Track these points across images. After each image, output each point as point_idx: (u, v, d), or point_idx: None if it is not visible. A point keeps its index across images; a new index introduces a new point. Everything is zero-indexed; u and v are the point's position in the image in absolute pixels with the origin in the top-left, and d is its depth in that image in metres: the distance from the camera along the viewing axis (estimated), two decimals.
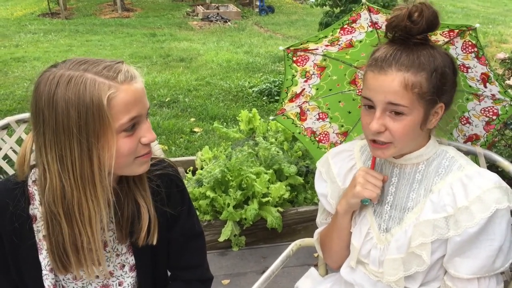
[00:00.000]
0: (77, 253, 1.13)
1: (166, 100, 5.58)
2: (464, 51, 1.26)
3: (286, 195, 2.89)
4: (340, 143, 1.68)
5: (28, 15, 11.35)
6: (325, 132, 1.66)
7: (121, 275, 1.27)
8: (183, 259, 1.35)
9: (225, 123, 4.82)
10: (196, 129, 4.88)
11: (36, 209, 1.16)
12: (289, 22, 11.07)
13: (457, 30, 1.22)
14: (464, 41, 1.24)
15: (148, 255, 1.27)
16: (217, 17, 10.97)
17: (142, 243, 1.22)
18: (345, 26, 1.32)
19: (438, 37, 1.26)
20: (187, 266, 1.37)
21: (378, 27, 1.31)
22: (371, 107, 1.22)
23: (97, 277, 1.24)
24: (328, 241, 1.48)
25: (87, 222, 1.09)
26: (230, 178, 2.82)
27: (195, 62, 7.32)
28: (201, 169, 3.16)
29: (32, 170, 1.17)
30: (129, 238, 1.24)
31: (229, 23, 10.75)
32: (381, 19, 1.28)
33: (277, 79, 5.93)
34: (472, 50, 1.25)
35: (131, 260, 1.26)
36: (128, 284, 1.27)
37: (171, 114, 5.22)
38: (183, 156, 4.01)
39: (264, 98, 5.64)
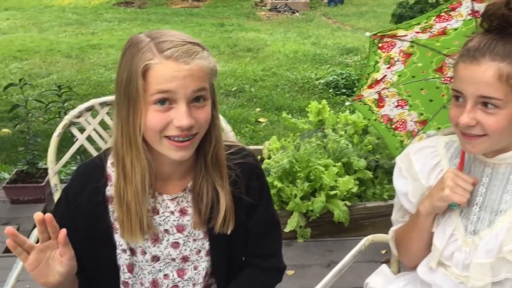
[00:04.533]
0: (121, 206, 1.16)
1: (233, 90, 5.65)
2: None
3: (354, 189, 2.84)
4: (418, 132, 1.63)
5: (104, 3, 11.84)
6: (403, 120, 1.62)
7: (197, 259, 1.28)
8: (261, 247, 1.35)
9: (290, 114, 4.81)
10: (261, 119, 4.90)
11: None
12: (359, 13, 10.83)
13: None
14: None
15: (224, 242, 1.27)
16: (285, 8, 10.93)
17: (218, 230, 1.22)
18: (442, 14, 1.27)
19: None
20: (265, 254, 1.37)
21: (479, 16, 1.24)
22: (461, 99, 1.16)
23: (173, 260, 1.26)
24: (406, 241, 1.42)
25: (127, 177, 1.14)
26: (298, 169, 2.81)
27: (262, 53, 7.35)
28: (268, 158, 3.17)
29: (112, 152, 1.21)
30: (206, 225, 1.25)
31: (297, 13, 10.68)
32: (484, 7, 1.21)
33: (344, 72, 5.83)
34: None
35: (207, 245, 1.27)
36: (202, 268, 1.29)
37: (237, 104, 5.28)
38: (248, 146, 4.04)
39: (330, 91, 5.57)
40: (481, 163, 1.28)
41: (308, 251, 2.78)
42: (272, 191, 2.82)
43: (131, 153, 1.12)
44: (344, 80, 5.62)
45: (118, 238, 1.23)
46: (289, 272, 2.60)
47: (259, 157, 3.26)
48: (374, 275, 1.70)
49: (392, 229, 1.52)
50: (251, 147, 3.79)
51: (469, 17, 1.28)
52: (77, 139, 1.72)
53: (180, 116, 1.06)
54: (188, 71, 1.05)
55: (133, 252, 1.25)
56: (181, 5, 11.61)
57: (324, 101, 3.49)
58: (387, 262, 1.84)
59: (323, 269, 2.57)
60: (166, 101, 1.06)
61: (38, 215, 1.03)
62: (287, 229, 2.76)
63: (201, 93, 1.09)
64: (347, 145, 3.02)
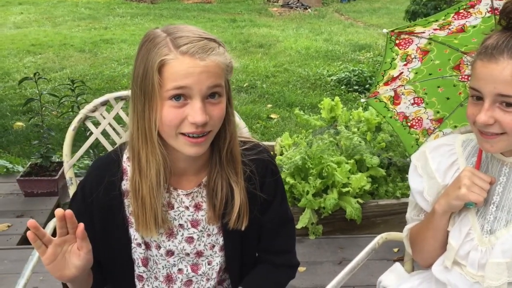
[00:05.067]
0: (136, 200, 1.16)
1: (244, 86, 5.65)
2: None
3: (367, 187, 2.83)
4: (434, 130, 1.61)
5: None
6: (419, 118, 1.60)
7: (211, 254, 1.28)
8: (275, 244, 1.35)
9: (302, 111, 4.80)
10: (272, 115, 4.90)
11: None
12: (371, 10, 10.76)
13: None
14: None
15: (238, 238, 1.28)
16: (297, 4, 10.88)
17: (233, 226, 1.23)
18: (461, 11, 1.25)
19: None
20: (278, 251, 1.37)
21: (498, 13, 1.23)
22: (479, 98, 1.14)
23: (188, 254, 1.27)
24: (421, 239, 1.41)
25: (143, 173, 1.14)
26: (311, 165, 2.80)
27: (274, 49, 7.33)
28: (281, 155, 3.17)
29: (127, 147, 1.21)
30: (220, 220, 1.25)
31: (309, 10, 10.63)
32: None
33: (356, 68, 5.80)
34: None
35: (221, 241, 1.27)
36: (216, 263, 1.29)
37: (248, 100, 5.28)
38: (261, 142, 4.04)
39: (342, 87, 5.54)
40: (499, 162, 1.26)
41: (320, 248, 2.77)
42: (285, 188, 2.82)
43: (147, 148, 1.12)
44: (356, 77, 5.59)
45: (133, 232, 1.23)
46: (300, 268, 2.59)
47: (271, 153, 3.26)
48: (388, 273, 1.69)
49: (407, 227, 1.51)
50: (263, 143, 3.79)
51: (488, 15, 1.26)
52: (91, 133, 1.72)
53: (194, 112, 1.06)
54: (204, 67, 1.05)
55: (147, 246, 1.26)
56: (193, 1, 11.60)
57: (337, 98, 3.47)
58: (400, 260, 1.83)
59: (335, 266, 2.57)
60: (181, 96, 1.06)
61: (59, 211, 1.04)
62: (299, 226, 2.75)
63: (216, 89, 1.09)
64: (360, 142, 3.00)
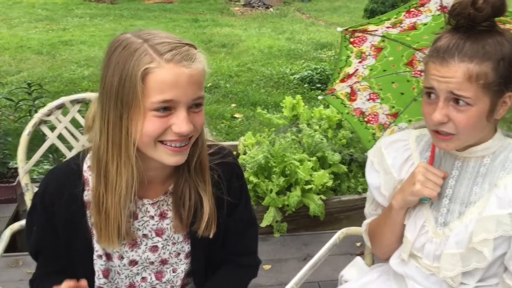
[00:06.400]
0: (99, 213, 1.12)
1: (208, 86, 5.62)
2: None
3: (329, 183, 2.87)
4: (389, 124, 1.65)
5: None
6: (375, 113, 1.64)
7: (176, 262, 1.26)
8: (240, 246, 1.35)
9: (266, 110, 4.82)
10: (237, 115, 4.90)
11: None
12: (332, 8, 10.91)
13: None
14: None
15: (205, 244, 1.25)
16: (259, 3, 10.91)
17: (201, 234, 1.20)
18: (412, 9, 1.29)
19: (511, 26, 1.20)
20: (243, 252, 1.36)
21: (447, 11, 1.27)
22: (433, 97, 1.18)
23: (152, 263, 1.24)
24: (379, 233, 1.44)
25: (110, 184, 1.09)
26: (274, 164, 2.82)
27: (237, 48, 7.33)
28: (244, 154, 3.17)
29: (88, 155, 1.17)
30: (188, 229, 1.22)
31: (271, 9, 10.68)
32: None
33: (319, 66, 5.87)
34: None
35: (187, 248, 1.25)
36: (181, 271, 1.27)
37: (212, 100, 5.26)
38: (224, 142, 4.04)
39: (305, 86, 5.60)
40: (452, 156, 1.30)
41: (284, 246, 2.79)
42: (248, 187, 2.82)
43: (119, 160, 1.07)
44: (319, 75, 5.65)
45: (94, 244, 1.19)
46: (266, 266, 2.61)
47: (234, 152, 3.26)
48: (349, 268, 1.72)
49: (365, 222, 1.54)
50: (227, 143, 3.79)
51: (438, 13, 1.30)
52: (47, 138, 1.68)
53: (180, 122, 1.03)
54: (190, 77, 1.02)
55: (109, 257, 1.22)
56: (154, 1, 11.46)
57: (298, 96, 3.50)
58: (361, 254, 1.87)
59: (300, 262, 2.59)
60: (167, 108, 1.03)
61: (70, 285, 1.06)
62: (263, 224, 2.77)
63: (200, 100, 1.07)
64: (322, 139, 3.04)
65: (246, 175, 2.85)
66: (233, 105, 5.16)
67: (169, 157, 1.07)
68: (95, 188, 1.12)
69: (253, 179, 2.79)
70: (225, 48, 7.34)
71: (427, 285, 1.32)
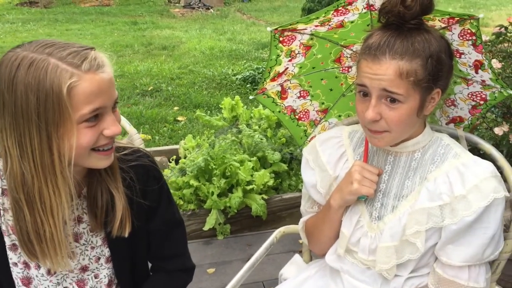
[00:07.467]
0: (40, 242, 1.08)
1: (149, 89, 5.52)
2: (461, 38, 1.24)
3: (271, 182, 2.88)
4: (320, 121, 1.67)
5: (6, 4, 11.11)
6: (305, 110, 1.66)
7: (97, 267, 1.24)
8: (165, 249, 1.33)
9: (209, 111, 4.79)
10: (179, 118, 4.84)
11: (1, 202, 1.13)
12: (272, 8, 11.01)
13: (458, 18, 1.20)
14: (463, 28, 1.22)
15: (124, 247, 1.24)
16: (199, 4, 10.86)
17: (116, 234, 1.19)
18: (340, 8, 1.31)
19: (435, 23, 1.24)
20: (169, 256, 1.34)
21: (374, 9, 1.30)
22: (366, 94, 1.20)
23: (71, 271, 1.21)
24: (318, 231, 1.45)
25: (48, 211, 1.05)
26: (214, 166, 2.80)
27: (178, 50, 7.25)
28: (185, 158, 3.14)
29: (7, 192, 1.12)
30: (103, 229, 1.21)
31: (211, 10, 10.65)
32: (379, 1, 1.26)
33: (260, 66, 5.90)
34: (470, 38, 1.23)
35: (107, 252, 1.24)
36: (104, 276, 1.25)
37: (154, 103, 5.17)
38: (167, 145, 3.97)
39: (248, 86, 5.61)
40: (384, 152, 1.33)
41: (228, 248, 2.78)
42: (189, 190, 2.79)
43: (55, 181, 1.03)
44: (261, 74, 5.67)
45: (8, 251, 1.16)
46: (210, 270, 2.59)
47: (174, 157, 3.22)
48: (288, 266, 1.74)
49: (302, 220, 1.55)
50: (169, 147, 3.73)
51: (364, 11, 1.33)
52: None
53: (111, 125, 1.06)
54: (109, 80, 1.04)
55: (27, 265, 1.19)
56: (90, 4, 11.15)
57: (237, 97, 3.50)
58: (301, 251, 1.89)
59: (244, 263, 2.53)
60: (97, 115, 1.04)
61: None
62: (206, 227, 2.75)
63: (117, 99, 1.10)
64: (261, 139, 3.05)
65: (186, 179, 2.82)
66: (176, 108, 5.09)
67: (101, 162, 1.10)
68: (30, 221, 1.06)
69: (193, 182, 2.76)
70: (165, 51, 7.23)
71: (362, 279, 1.35)
